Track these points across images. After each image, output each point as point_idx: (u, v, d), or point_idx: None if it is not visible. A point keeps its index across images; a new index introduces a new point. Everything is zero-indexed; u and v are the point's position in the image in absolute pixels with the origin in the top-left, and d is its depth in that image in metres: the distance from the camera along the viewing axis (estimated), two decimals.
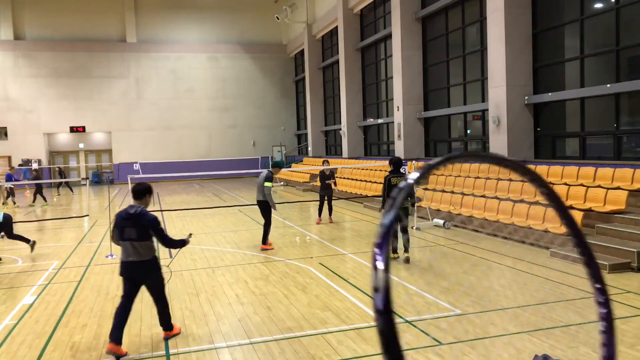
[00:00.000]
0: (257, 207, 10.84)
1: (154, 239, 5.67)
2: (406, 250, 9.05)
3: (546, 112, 14.03)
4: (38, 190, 21.25)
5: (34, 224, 16.19)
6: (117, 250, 10.80)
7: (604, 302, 1.10)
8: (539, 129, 14.19)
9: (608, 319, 1.08)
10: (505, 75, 13.78)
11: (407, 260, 9.00)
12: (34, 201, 21.77)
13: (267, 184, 10.31)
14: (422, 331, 5.82)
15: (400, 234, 9.03)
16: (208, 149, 34.40)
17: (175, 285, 8.15)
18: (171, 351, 5.53)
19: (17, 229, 15.31)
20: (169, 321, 5.86)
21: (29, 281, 8.78)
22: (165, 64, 33.51)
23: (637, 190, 9.77)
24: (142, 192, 5.71)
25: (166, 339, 5.84)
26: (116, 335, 5.36)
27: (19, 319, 6.77)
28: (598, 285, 1.12)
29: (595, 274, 1.15)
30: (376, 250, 0.89)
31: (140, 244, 5.54)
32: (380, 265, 0.87)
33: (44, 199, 21.22)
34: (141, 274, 5.62)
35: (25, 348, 5.75)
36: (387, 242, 0.90)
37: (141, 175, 20.08)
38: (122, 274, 5.65)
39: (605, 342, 1.08)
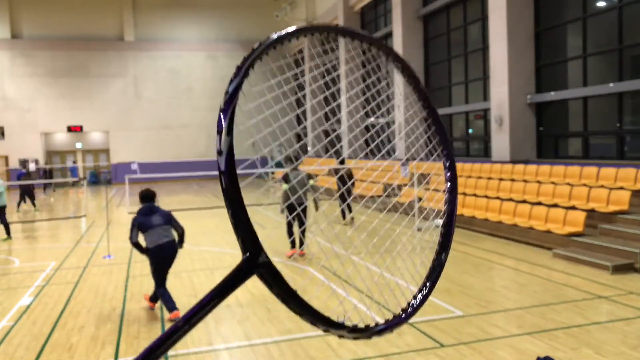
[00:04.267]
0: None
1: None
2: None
3: (549, 112, 13.96)
4: (30, 192, 19.37)
5: (31, 224, 16.12)
6: (115, 251, 10.76)
7: (450, 165, 1.24)
8: (541, 128, 14.12)
9: (453, 179, 1.20)
10: (508, 74, 13.71)
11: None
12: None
13: (312, 182, 9.70)
14: (423, 333, 5.75)
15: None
16: (207, 148, 34.28)
17: (174, 286, 8.06)
18: (169, 353, 5.45)
19: (13, 229, 15.23)
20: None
21: (26, 282, 8.70)
22: (163, 62, 33.41)
23: None
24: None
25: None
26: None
27: (16, 320, 6.70)
28: (445, 151, 1.26)
29: (443, 142, 1.28)
30: (220, 115, 0.94)
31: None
32: (223, 129, 0.93)
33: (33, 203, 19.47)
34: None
35: (23, 350, 5.68)
36: (230, 108, 0.96)
37: (139, 175, 19.94)
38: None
39: (447, 200, 1.23)
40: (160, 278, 6.47)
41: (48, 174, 30.18)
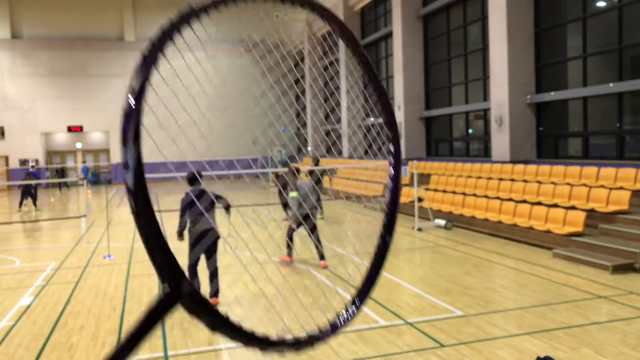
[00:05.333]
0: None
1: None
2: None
3: (549, 112, 13.96)
4: (31, 192, 19.34)
5: (31, 224, 16.11)
6: (115, 251, 10.76)
7: (395, 164, 1.15)
8: (541, 128, 14.12)
9: (396, 179, 1.15)
10: (508, 74, 13.71)
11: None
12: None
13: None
14: (423, 333, 5.76)
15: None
16: (207, 148, 34.30)
17: None
18: (170, 352, 5.45)
19: (13, 229, 15.24)
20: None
21: (26, 282, 8.70)
22: (163, 62, 33.39)
23: None
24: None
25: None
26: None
27: (16, 320, 6.70)
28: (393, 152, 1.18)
29: (395, 149, 1.21)
30: (124, 120, 0.76)
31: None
32: (129, 138, 0.76)
33: (34, 203, 19.41)
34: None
35: (23, 350, 5.69)
36: (138, 109, 0.77)
37: None
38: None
39: (389, 194, 1.14)
40: (192, 259, 6.85)
41: (60, 173, 30.26)
